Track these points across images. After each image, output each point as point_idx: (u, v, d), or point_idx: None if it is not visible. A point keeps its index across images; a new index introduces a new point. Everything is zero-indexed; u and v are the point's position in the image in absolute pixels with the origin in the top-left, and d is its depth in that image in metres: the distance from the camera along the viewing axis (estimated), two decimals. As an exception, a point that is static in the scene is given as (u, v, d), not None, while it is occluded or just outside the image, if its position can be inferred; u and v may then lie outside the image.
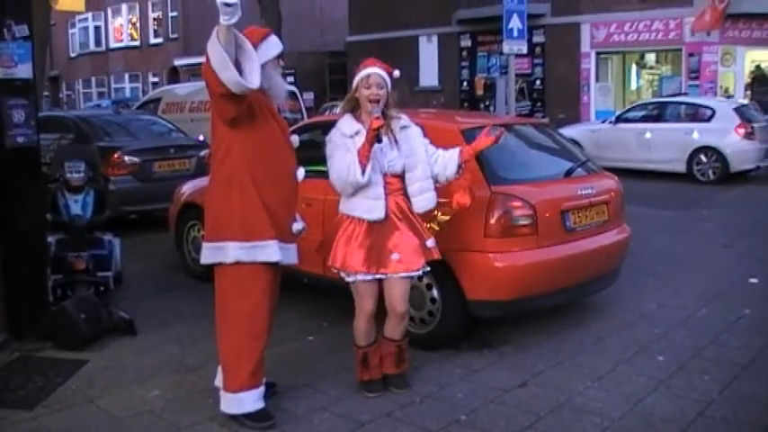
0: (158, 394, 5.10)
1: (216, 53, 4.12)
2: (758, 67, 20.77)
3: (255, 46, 4.47)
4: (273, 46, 4.66)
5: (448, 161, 5.10)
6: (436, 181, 5.13)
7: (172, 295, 7.47)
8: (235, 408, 4.61)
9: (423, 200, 5.03)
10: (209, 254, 4.61)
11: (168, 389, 5.20)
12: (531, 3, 17.44)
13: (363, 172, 4.76)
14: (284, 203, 4.65)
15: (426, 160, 5.06)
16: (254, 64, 4.28)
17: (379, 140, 4.80)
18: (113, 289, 7.12)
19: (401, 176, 5.03)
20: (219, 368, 4.79)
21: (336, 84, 32.15)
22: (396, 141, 5.01)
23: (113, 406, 4.93)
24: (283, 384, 5.17)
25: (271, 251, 4.51)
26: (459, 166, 5.09)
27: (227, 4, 3.94)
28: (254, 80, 4.24)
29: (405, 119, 5.12)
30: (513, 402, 4.97)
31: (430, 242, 5.07)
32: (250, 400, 4.59)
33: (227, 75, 4.12)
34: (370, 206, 4.90)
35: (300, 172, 4.77)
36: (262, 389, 4.67)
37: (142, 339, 6.24)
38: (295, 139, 4.85)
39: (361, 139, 4.84)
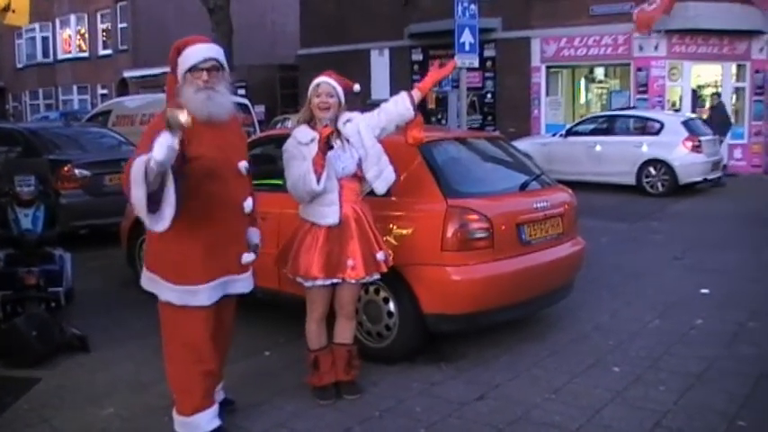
0: (113, 412, 5.02)
1: (137, 189, 3.86)
2: (717, 94, 21.13)
3: (176, 63, 4.34)
4: (186, 59, 4.30)
5: (396, 106, 5.23)
6: (389, 131, 5.27)
7: (124, 311, 7.36)
8: (189, 430, 4.53)
9: (382, 181, 5.17)
10: (147, 282, 4.51)
11: (123, 407, 5.12)
12: (483, 17, 17.50)
13: (318, 180, 4.81)
14: (230, 237, 4.47)
15: (373, 139, 5.16)
16: (169, 197, 3.94)
17: (331, 147, 4.86)
18: (65, 305, 6.98)
19: (356, 175, 5.11)
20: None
21: (288, 97, 32.06)
22: (347, 141, 5.07)
23: (67, 426, 4.85)
24: (240, 401, 5.12)
25: (202, 297, 4.36)
26: (414, 107, 5.20)
27: (161, 164, 3.79)
28: (166, 219, 3.97)
29: (347, 114, 5.18)
30: (472, 416, 4.97)
31: (380, 255, 5.15)
32: (205, 421, 4.52)
33: (140, 214, 3.97)
34: (324, 212, 4.99)
35: (248, 202, 4.57)
36: (215, 407, 4.60)
37: (95, 356, 6.15)
38: (243, 165, 4.51)
39: (316, 147, 4.88)
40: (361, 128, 5.14)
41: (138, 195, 3.88)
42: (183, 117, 3.82)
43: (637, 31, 21.71)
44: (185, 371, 4.48)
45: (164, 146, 3.77)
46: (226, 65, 4.46)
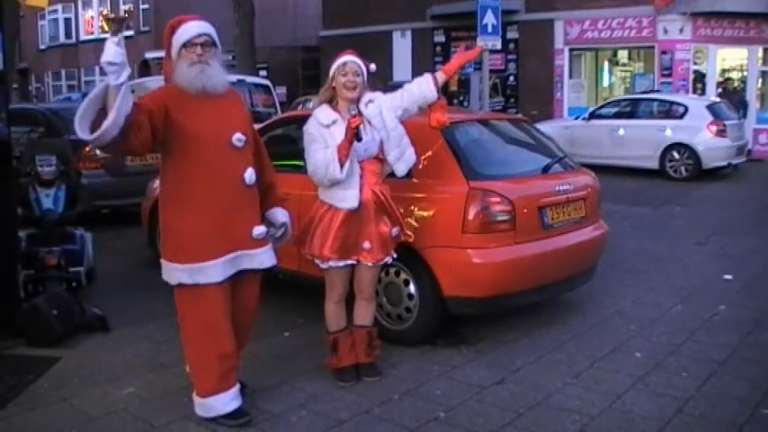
0: (132, 392, 5.02)
1: (81, 108, 3.93)
2: (728, 79, 20.95)
3: (170, 43, 4.39)
4: (181, 34, 4.37)
5: (420, 87, 5.16)
6: (411, 112, 5.21)
7: (144, 292, 7.35)
8: (205, 412, 4.56)
9: (403, 163, 5.14)
10: (163, 272, 4.53)
11: (142, 387, 5.12)
12: (505, -1, 17.42)
13: (342, 168, 4.79)
14: (234, 211, 4.45)
15: (395, 121, 5.11)
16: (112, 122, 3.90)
17: (359, 139, 4.81)
18: (85, 285, 7.04)
19: (377, 157, 5.08)
20: None
21: (309, 79, 32.03)
22: (369, 123, 5.03)
23: (87, 404, 4.85)
24: (259, 382, 5.12)
25: (211, 273, 4.37)
26: (438, 89, 5.14)
27: (111, 63, 3.83)
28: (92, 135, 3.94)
29: (369, 94, 5.13)
30: (492, 400, 4.94)
31: (394, 231, 5.15)
32: (221, 404, 4.52)
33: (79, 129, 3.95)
34: (343, 195, 4.96)
35: (249, 173, 4.51)
36: (235, 389, 4.59)
37: (115, 336, 6.16)
38: (236, 137, 4.41)
39: (338, 129, 4.88)
40: (383, 109, 5.09)
41: (86, 107, 3.95)
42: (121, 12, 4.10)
43: (655, 7, 21.32)
44: (201, 352, 4.50)
45: (108, 46, 3.89)
46: (218, 42, 4.50)
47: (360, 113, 4.93)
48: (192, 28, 4.39)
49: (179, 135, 4.29)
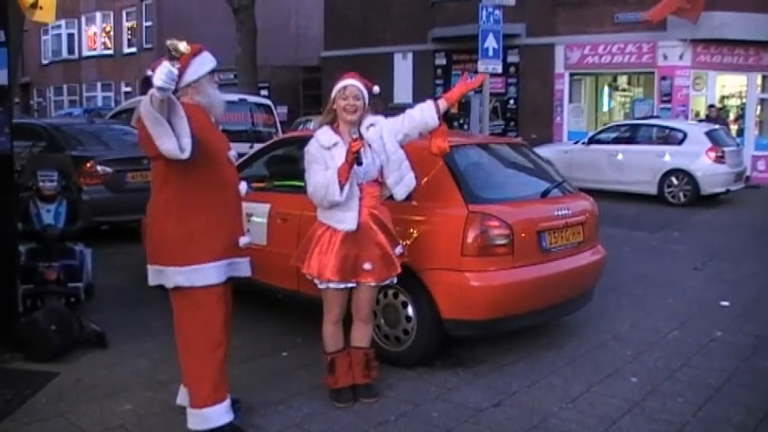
0: (130, 409, 5.03)
1: (156, 124, 4.09)
2: (711, 106, 21.16)
3: (189, 62, 4.55)
4: (207, 62, 4.68)
5: (422, 113, 5.18)
6: (412, 137, 5.26)
7: (143, 308, 7.37)
8: (201, 424, 4.57)
9: (402, 187, 5.18)
10: (152, 276, 4.64)
11: (140, 404, 5.13)
12: (507, 23, 17.46)
13: (341, 191, 4.83)
14: (228, 220, 4.64)
15: (396, 145, 5.15)
16: (184, 128, 4.19)
17: (359, 163, 4.86)
18: (84, 300, 7.05)
19: (377, 180, 5.11)
20: (182, 386, 4.81)
21: (310, 99, 32.14)
22: (369, 146, 5.07)
23: (84, 420, 4.86)
24: (256, 400, 5.14)
25: (208, 274, 4.50)
26: (439, 116, 5.18)
27: (162, 89, 3.96)
28: (187, 148, 4.19)
29: (371, 118, 5.19)
30: (488, 423, 4.95)
31: (398, 249, 5.19)
32: (215, 415, 4.56)
33: (168, 146, 4.14)
34: (342, 217, 4.99)
35: (243, 186, 4.80)
36: (227, 402, 4.62)
37: (113, 353, 6.17)
38: (232, 154, 4.80)
39: (338, 151, 4.93)
40: (384, 133, 5.13)
41: (155, 126, 4.08)
42: (183, 45, 4.39)
43: (647, 19, 21.27)
44: (196, 360, 4.56)
45: (163, 71, 3.96)
46: None
47: (361, 137, 4.95)
48: (213, 59, 4.75)
49: (198, 145, 4.38)
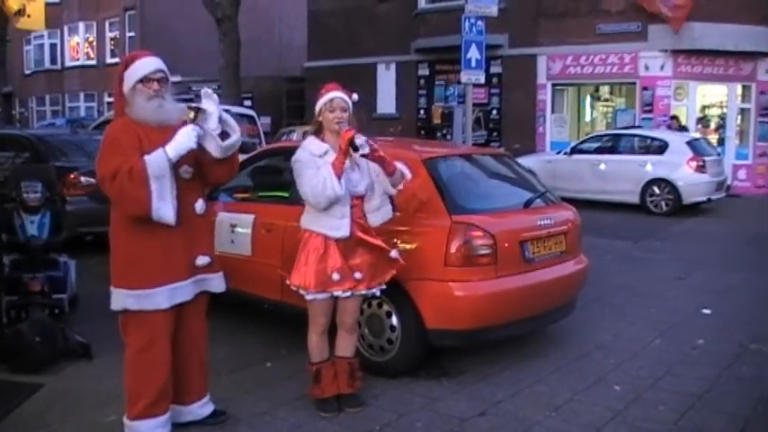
0: (115, 420, 5.00)
1: (162, 197, 4.28)
2: (674, 117, 21.42)
3: (122, 75, 4.52)
4: (139, 69, 4.51)
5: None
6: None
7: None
8: None
9: (379, 215, 5.22)
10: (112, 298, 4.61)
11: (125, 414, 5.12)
12: (490, 34, 17.55)
13: (339, 183, 4.84)
14: (184, 241, 4.57)
15: (378, 174, 5.17)
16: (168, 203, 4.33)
17: (356, 149, 4.84)
18: (68, 312, 7.03)
19: (362, 198, 5.13)
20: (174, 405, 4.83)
21: (294, 109, 32.12)
22: (357, 165, 5.07)
23: (70, 431, 4.85)
24: (242, 412, 5.16)
25: (159, 299, 4.49)
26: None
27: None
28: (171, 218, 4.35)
29: (360, 138, 5.17)
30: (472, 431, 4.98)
31: (394, 253, 5.23)
32: (146, 428, 4.59)
33: (164, 213, 4.32)
34: (335, 224, 5.00)
35: (200, 204, 4.70)
36: (164, 418, 4.65)
37: (99, 364, 6.16)
38: (183, 170, 4.55)
39: (330, 159, 4.92)
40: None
41: (158, 187, 4.25)
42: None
43: (675, 28, 21.50)
44: (139, 379, 4.57)
45: (192, 137, 4.32)
46: (169, 77, 4.68)
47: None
48: (150, 63, 4.54)
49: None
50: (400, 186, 5.18)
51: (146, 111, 4.47)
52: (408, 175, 5.20)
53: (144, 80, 4.48)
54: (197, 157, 4.59)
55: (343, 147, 4.83)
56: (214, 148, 4.57)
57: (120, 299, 4.50)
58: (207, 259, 4.74)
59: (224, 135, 4.61)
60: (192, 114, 4.44)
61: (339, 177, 4.83)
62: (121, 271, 4.51)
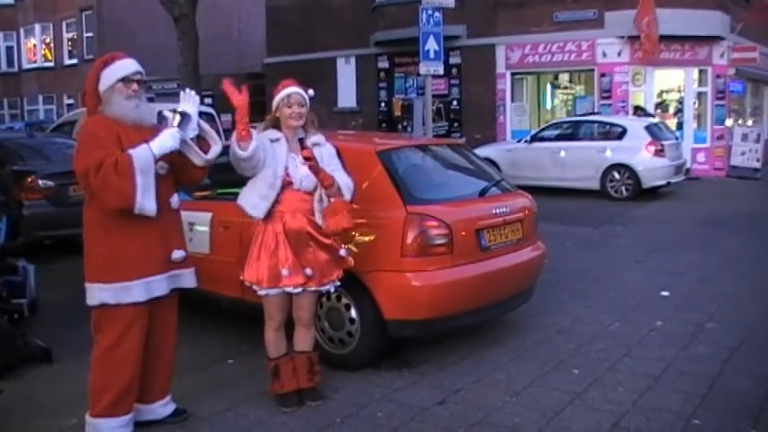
0: (76, 422, 4.99)
1: (142, 180, 4.36)
2: (638, 107, 21.76)
3: (99, 75, 4.62)
4: (118, 70, 4.63)
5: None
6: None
7: (88, 323, 7.29)
8: None
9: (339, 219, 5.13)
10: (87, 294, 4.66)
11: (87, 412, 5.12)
12: (447, 25, 17.61)
13: (245, 145, 4.86)
14: (160, 235, 4.66)
15: (335, 172, 5.16)
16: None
17: (315, 167, 4.93)
18: (28, 316, 6.97)
19: (311, 193, 5.14)
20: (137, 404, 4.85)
21: (255, 105, 31.25)
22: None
23: (29, 436, 4.84)
24: (203, 409, 5.16)
25: (136, 292, 4.55)
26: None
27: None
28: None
29: (318, 136, 5.24)
30: (433, 420, 5.03)
31: (343, 252, 5.25)
32: (108, 428, 4.62)
33: (147, 206, 4.42)
34: (254, 202, 5.08)
35: (175, 199, 4.81)
36: (127, 418, 4.69)
37: (59, 368, 6.14)
38: (159, 165, 4.58)
39: (280, 147, 5.06)
40: (325, 156, 5.18)
41: (143, 181, 4.38)
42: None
43: (644, 55, 21.89)
44: (107, 375, 4.60)
45: (176, 139, 4.55)
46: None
47: (306, 144, 5.03)
48: (132, 65, 4.68)
49: None
50: (332, 200, 5.14)
51: (124, 109, 4.59)
52: (347, 195, 5.18)
53: (125, 80, 4.61)
54: (172, 155, 4.67)
55: (241, 114, 4.94)
56: (197, 159, 4.77)
57: (97, 294, 4.55)
58: (182, 253, 4.82)
59: (200, 139, 4.80)
60: (177, 120, 4.59)
61: (244, 144, 4.84)
62: (98, 266, 4.55)
